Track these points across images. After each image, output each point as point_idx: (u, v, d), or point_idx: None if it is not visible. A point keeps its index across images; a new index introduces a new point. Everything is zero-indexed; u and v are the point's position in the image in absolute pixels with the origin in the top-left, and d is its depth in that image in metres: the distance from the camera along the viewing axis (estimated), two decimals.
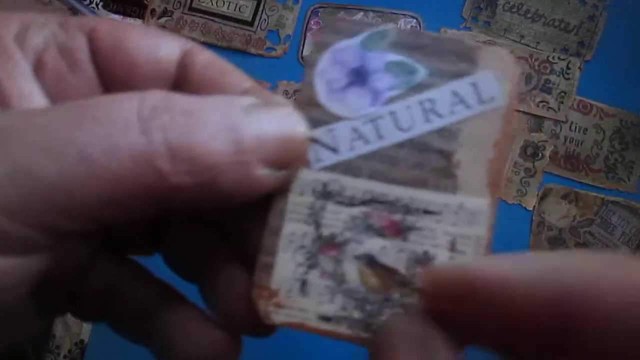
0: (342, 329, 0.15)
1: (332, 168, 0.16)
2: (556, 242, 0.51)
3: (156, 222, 0.20)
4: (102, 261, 0.19)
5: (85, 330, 0.51)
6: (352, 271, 0.15)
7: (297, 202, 0.16)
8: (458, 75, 0.16)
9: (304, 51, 0.53)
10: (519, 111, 0.52)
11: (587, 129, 0.52)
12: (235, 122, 0.14)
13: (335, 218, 0.16)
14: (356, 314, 0.15)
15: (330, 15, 0.53)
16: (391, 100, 0.16)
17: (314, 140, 0.16)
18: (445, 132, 0.16)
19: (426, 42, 0.16)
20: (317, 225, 0.16)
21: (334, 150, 0.16)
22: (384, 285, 0.15)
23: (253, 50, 0.53)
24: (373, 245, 0.16)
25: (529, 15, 0.53)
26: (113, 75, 0.17)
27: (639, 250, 0.51)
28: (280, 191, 0.16)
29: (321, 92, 0.16)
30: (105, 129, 0.13)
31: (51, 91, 0.16)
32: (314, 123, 0.16)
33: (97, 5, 0.53)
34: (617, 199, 0.51)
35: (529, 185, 0.51)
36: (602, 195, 0.51)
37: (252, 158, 0.14)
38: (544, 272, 0.12)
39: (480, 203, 0.16)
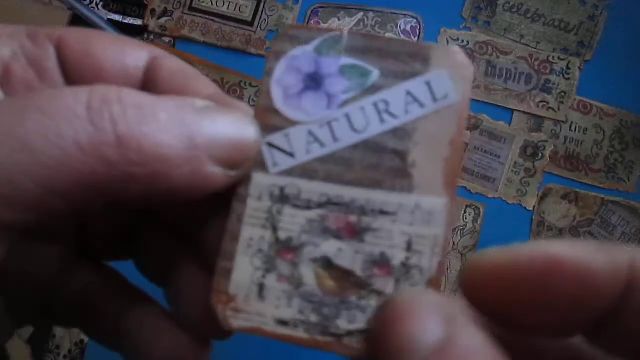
0: (300, 333, 0.15)
1: (289, 172, 0.16)
2: None
3: (128, 228, 0.20)
4: (76, 268, 0.19)
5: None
6: (308, 274, 0.16)
7: (255, 206, 0.16)
8: (412, 75, 0.16)
9: None
10: (519, 111, 0.52)
11: (587, 129, 0.52)
12: (187, 119, 0.14)
13: (292, 222, 0.16)
14: (313, 318, 0.15)
15: (330, 15, 0.53)
16: (346, 103, 0.16)
17: (271, 145, 0.16)
18: (400, 132, 0.16)
19: (380, 45, 0.16)
20: (275, 229, 0.16)
21: (290, 154, 0.16)
22: (341, 287, 0.15)
23: (253, 50, 0.53)
24: (329, 247, 0.16)
25: (529, 15, 0.53)
26: (81, 83, 0.17)
27: None
28: (235, 195, 0.16)
29: (278, 98, 0.16)
30: (49, 118, 0.13)
31: None
32: (272, 129, 0.16)
33: (97, 5, 0.53)
34: (617, 199, 0.51)
35: (529, 185, 0.51)
36: (602, 195, 0.51)
37: (203, 154, 0.14)
38: (618, 260, 0.12)
39: (436, 202, 0.16)
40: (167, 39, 0.53)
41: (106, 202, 0.14)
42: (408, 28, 0.53)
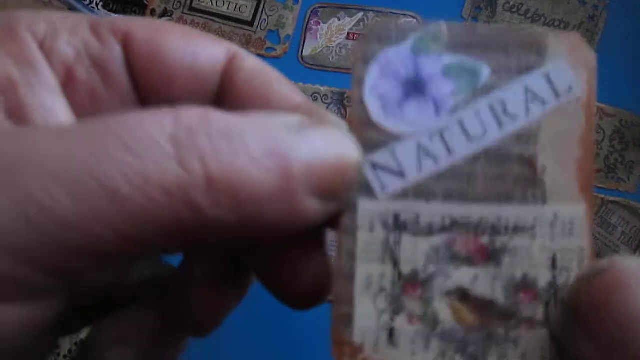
0: None
1: (402, 195, 0.14)
2: None
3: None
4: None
5: (85, 330, 0.51)
6: (444, 310, 0.14)
7: (368, 239, 0.14)
8: (527, 68, 0.14)
9: (304, 51, 0.53)
10: None
11: None
12: (282, 146, 0.12)
13: (415, 251, 0.14)
14: (458, 359, 0.13)
15: (330, 15, 0.53)
16: (456, 107, 0.14)
17: (375, 165, 0.14)
18: (524, 136, 0.14)
19: (484, 36, 0.14)
20: (395, 262, 0.14)
21: (400, 174, 0.14)
22: (484, 320, 0.14)
23: (253, 50, 0.53)
24: (463, 276, 0.14)
25: (529, 15, 0.53)
26: (150, 88, 0.15)
27: (639, 251, 0.51)
28: (342, 228, 0.14)
29: (375, 110, 0.14)
30: (133, 157, 0.11)
31: (81, 106, 0.15)
32: (372, 146, 0.14)
33: (97, 5, 0.53)
34: (617, 199, 0.51)
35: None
36: (602, 195, 0.51)
37: (300, 188, 0.12)
38: None
39: (576, 210, 0.14)
40: None
41: (186, 246, 0.12)
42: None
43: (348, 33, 0.53)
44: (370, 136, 0.14)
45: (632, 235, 0.51)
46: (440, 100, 0.14)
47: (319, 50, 0.53)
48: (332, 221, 0.14)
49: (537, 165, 0.14)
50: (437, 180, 0.14)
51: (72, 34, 0.15)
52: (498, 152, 0.14)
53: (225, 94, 0.16)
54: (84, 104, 0.15)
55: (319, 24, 0.53)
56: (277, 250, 0.15)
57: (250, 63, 0.16)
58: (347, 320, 0.14)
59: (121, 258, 0.12)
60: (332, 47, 0.53)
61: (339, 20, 0.53)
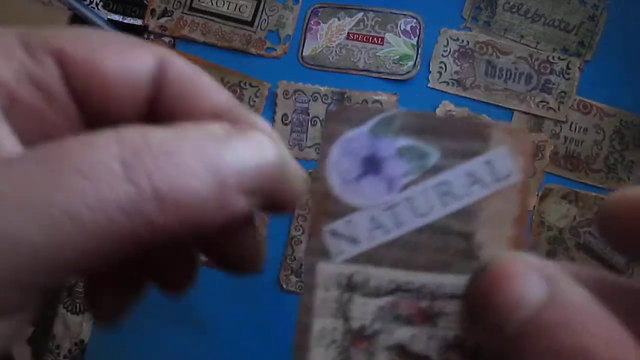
0: None
1: (355, 260, 0.16)
2: (556, 242, 0.51)
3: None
4: None
5: (85, 330, 0.51)
6: None
7: (324, 297, 0.16)
8: (472, 154, 0.16)
9: (304, 51, 0.53)
10: (519, 111, 0.52)
11: (587, 129, 0.52)
12: (214, 158, 0.14)
13: (363, 310, 0.16)
14: None
15: (330, 15, 0.53)
16: (407, 186, 0.16)
17: (334, 233, 0.16)
18: (464, 214, 0.16)
19: (435, 123, 0.16)
20: (347, 318, 0.16)
21: (354, 241, 0.16)
22: None
23: (253, 50, 0.53)
24: (403, 334, 0.15)
25: (529, 15, 0.53)
26: (89, 103, 0.16)
27: None
28: (303, 286, 0.16)
29: (336, 184, 0.16)
30: (89, 181, 0.12)
31: (28, 128, 0.15)
32: (332, 216, 0.16)
33: (97, 5, 0.53)
34: None
35: (529, 186, 0.51)
36: (602, 195, 0.51)
37: (232, 191, 0.14)
38: None
39: None
40: (167, 39, 0.53)
41: (138, 253, 0.14)
42: (408, 28, 0.53)
43: (348, 33, 0.53)
44: (331, 207, 0.16)
45: None
46: (393, 178, 0.16)
47: (319, 50, 0.53)
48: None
49: (474, 241, 0.16)
50: (386, 249, 0.16)
51: (7, 57, 0.15)
52: (441, 228, 0.16)
53: (157, 100, 0.17)
54: (31, 126, 0.16)
55: (319, 24, 0.53)
56: (217, 235, 0.18)
57: (179, 66, 0.17)
58: None
59: (85, 271, 0.14)
60: (332, 47, 0.53)
61: (339, 20, 0.53)
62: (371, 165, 0.16)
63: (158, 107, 0.17)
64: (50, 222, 0.12)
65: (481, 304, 0.14)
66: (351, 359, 0.15)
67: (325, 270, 0.16)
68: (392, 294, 0.16)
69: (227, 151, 0.14)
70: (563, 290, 0.13)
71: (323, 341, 0.16)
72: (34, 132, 0.16)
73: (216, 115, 0.17)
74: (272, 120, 0.52)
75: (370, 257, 0.16)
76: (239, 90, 0.52)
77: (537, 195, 0.51)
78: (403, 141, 0.16)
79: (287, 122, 0.52)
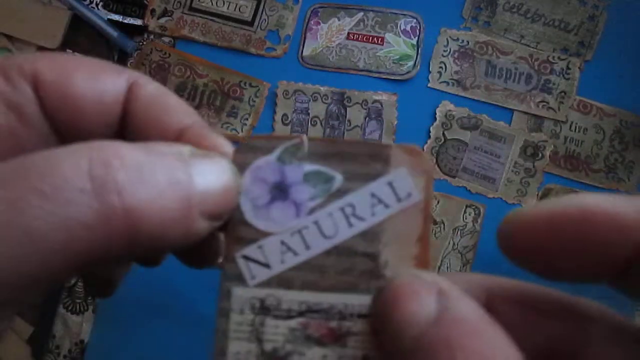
0: None
1: (267, 283, 0.16)
2: None
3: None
4: None
5: (85, 330, 0.51)
6: None
7: (238, 320, 0.16)
8: (373, 176, 0.16)
9: (304, 51, 0.53)
10: (519, 111, 0.52)
11: (587, 129, 0.52)
12: (181, 179, 0.14)
13: (276, 332, 0.16)
14: None
15: (330, 15, 0.53)
16: (314, 209, 0.17)
17: (246, 258, 0.16)
18: (369, 235, 0.16)
19: (339, 148, 0.17)
20: (260, 341, 0.16)
21: (266, 265, 0.16)
22: None
23: (253, 50, 0.53)
24: (314, 355, 0.16)
25: (529, 15, 0.53)
26: (62, 124, 0.17)
27: None
28: (218, 310, 0.16)
29: (247, 211, 0.17)
30: (52, 203, 0.12)
31: (4, 148, 0.16)
32: (244, 241, 0.16)
33: (97, 5, 0.53)
34: None
35: (529, 185, 0.51)
36: None
37: (195, 213, 0.14)
38: None
39: None
40: (167, 39, 0.53)
41: (98, 264, 0.14)
42: (408, 28, 0.53)
43: (348, 33, 0.53)
44: (243, 233, 0.17)
45: None
46: (300, 203, 0.17)
47: (319, 50, 0.53)
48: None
49: (379, 261, 0.16)
50: (296, 272, 0.16)
51: None
52: (347, 249, 0.16)
53: (127, 120, 0.18)
54: (5, 147, 0.16)
55: (319, 24, 0.53)
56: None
57: (148, 90, 0.18)
58: None
59: (54, 283, 0.14)
60: (332, 47, 0.53)
61: (339, 20, 0.53)
62: (279, 191, 0.17)
63: (128, 126, 0.18)
64: (12, 242, 0.12)
65: (381, 321, 0.14)
66: None
67: (240, 294, 0.16)
68: (302, 316, 0.16)
69: (195, 174, 0.15)
70: (452, 307, 0.13)
71: None
72: (11, 151, 0.16)
73: (180, 135, 0.17)
74: (272, 120, 0.52)
75: (282, 280, 0.16)
76: (239, 90, 0.52)
77: (537, 195, 0.51)
78: (309, 167, 0.17)
79: (287, 122, 0.52)
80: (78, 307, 0.51)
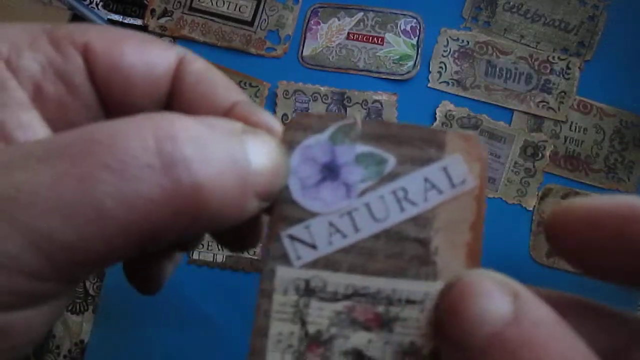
0: None
1: (313, 264, 0.16)
2: None
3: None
4: None
5: (85, 330, 0.51)
6: None
7: (282, 301, 0.16)
8: (427, 161, 0.16)
9: (304, 51, 0.53)
10: (519, 111, 0.52)
11: (587, 129, 0.52)
12: (238, 157, 0.14)
13: (320, 315, 0.16)
14: None
15: (330, 15, 0.53)
16: (364, 191, 0.16)
17: (292, 238, 0.16)
18: (421, 220, 0.16)
19: (393, 131, 0.16)
20: (303, 323, 0.16)
21: (312, 246, 0.16)
22: None
23: (253, 50, 0.53)
24: (359, 339, 0.15)
25: (529, 15, 0.53)
26: (111, 95, 0.17)
27: None
28: (260, 290, 0.16)
29: (295, 190, 0.16)
30: (121, 179, 0.12)
31: (52, 118, 0.16)
32: (291, 221, 0.16)
33: (97, 5, 0.53)
34: None
35: (529, 185, 0.51)
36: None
37: (250, 193, 0.14)
38: None
39: None
40: (167, 39, 0.53)
41: (158, 244, 0.14)
42: (408, 28, 0.53)
43: (348, 33, 0.53)
44: (290, 212, 0.16)
45: None
46: (351, 184, 0.16)
47: (319, 50, 0.53)
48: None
49: (430, 247, 0.16)
50: (344, 254, 0.16)
51: (34, 49, 0.16)
52: (397, 233, 0.16)
53: (175, 95, 0.17)
54: (54, 116, 0.16)
55: (319, 24, 0.53)
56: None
57: (197, 66, 0.18)
58: None
59: (115, 260, 0.14)
60: (332, 47, 0.53)
61: (339, 20, 0.53)
62: (330, 171, 0.16)
63: (175, 101, 0.18)
64: (79, 218, 0.12)
65: (448, 319, 0.14)
66: None
67: (284, 274, 0.16)
68: (348, 299, 0.16)
69: (249, 153, 0.14)
70: (528, 309, 0.13)
71: (280, 346, 0.16)
72: (59, 120, 0.16)
73: (228, 111, 0.17)
74: None
75: (328, 262, 0.16)
76: None
77: (537, 195, 0.51)
78: (361, 148, 0.16)
79: (287, 122, 0.52)
80: (78, 307, 0.51)
